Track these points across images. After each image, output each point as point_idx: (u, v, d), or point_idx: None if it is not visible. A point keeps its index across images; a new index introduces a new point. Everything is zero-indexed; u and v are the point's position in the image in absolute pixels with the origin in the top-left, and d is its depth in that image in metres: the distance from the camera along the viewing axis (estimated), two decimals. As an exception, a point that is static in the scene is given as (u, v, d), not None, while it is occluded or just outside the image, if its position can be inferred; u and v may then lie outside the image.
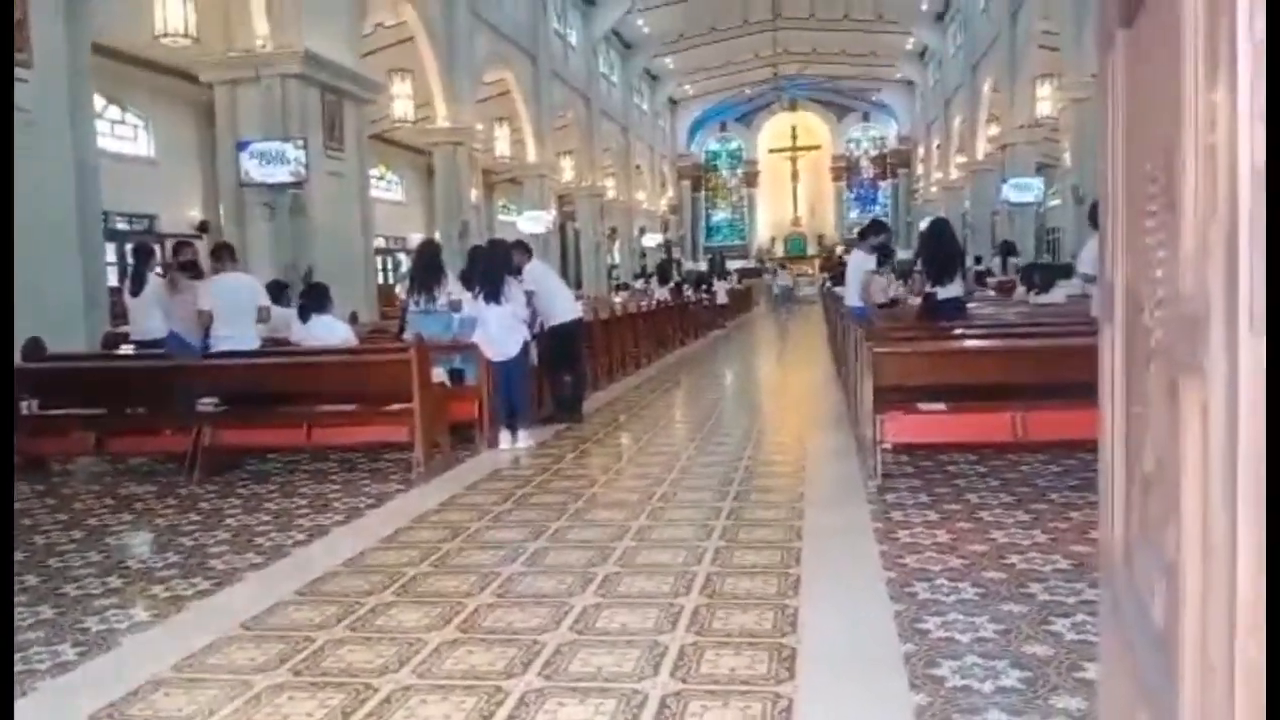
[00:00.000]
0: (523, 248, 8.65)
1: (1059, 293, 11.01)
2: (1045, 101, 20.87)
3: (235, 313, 7.13)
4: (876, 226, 9.41)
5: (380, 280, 19.23)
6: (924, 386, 5.58)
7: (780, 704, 2.78)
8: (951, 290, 7.77)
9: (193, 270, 7.88)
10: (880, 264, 8.56)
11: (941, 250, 8.01)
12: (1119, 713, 1.79)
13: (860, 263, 8.44)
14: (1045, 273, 12.17)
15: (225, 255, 7.56)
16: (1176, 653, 1.20)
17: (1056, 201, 26.92)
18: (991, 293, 13.63)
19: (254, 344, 7.20)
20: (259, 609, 3.75)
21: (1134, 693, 1.64)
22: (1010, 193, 22.36)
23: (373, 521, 5.16)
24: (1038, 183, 22.95)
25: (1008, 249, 21.04)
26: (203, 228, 17.41)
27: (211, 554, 4.63)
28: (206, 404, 6.57)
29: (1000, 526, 4.57)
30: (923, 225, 31.26)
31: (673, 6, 29.30)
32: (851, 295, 8.25)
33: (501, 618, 3.59)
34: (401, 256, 26.28)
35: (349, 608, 3.74)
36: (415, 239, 26.42)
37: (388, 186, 26.25)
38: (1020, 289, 12.09)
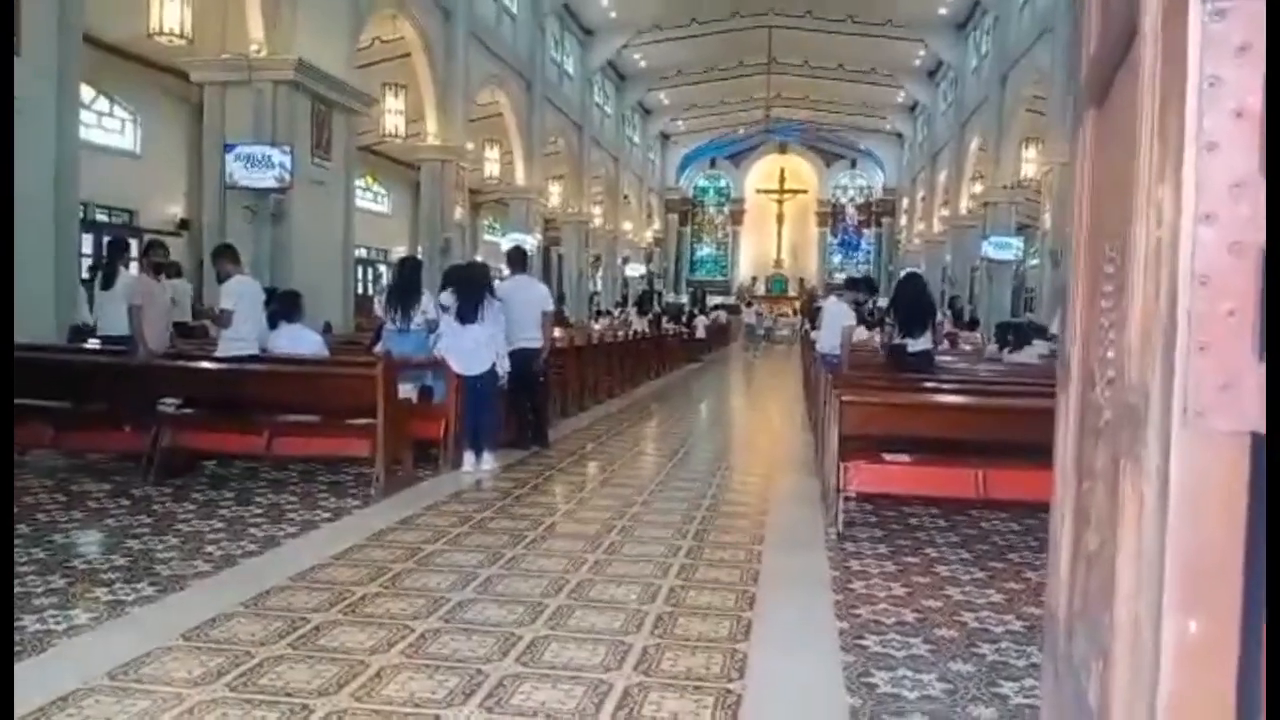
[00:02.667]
0: (517, 256, 8.64)
1: (1031, 352, 11.13)
2: (1029, 164, 21.19)
3: (252, 316, 7.07)
4: (866, 284, 9.50)
5: (359, 291, 19.14)
6: (890, 436, 5.59)
7: (720, 752, 2.75)
8: (921, 343, 7.84)
9: (166, 270, 7.79)
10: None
11: (913, 303, 8.08)
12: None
13: (839, 314, 8.50)
14: (1019, 331, 12.31)
15: (229, 258, 7.32)
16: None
17: (1035, 261, 27.31)
18: (967, 348, 13.73)
19: (257, 349, 7.13)
20: (201, 619, 3.69)
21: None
22: (990, 250, 22.63)
23: (326, 536, 5.10)
24: (1017, 242, 23.27)
25: (954, 305, 21.31)
26: (183, 225, 17.29)
27: (159, 559, 4.54)
28: (168, 404, 6.49)
29: (956, 583, 4.57)
30: (902, 274, 31.66)
31: (670, 43, 29.55)
32: (825, 342, 8.29)
33: (447, 644, 3.54)
34: (383, 268, 26.20)
35: (293, 624, 3.68)
36: (398, 252, 26.35)
37: (374, 198, 26.20)
38: (993, 346, 12.18)
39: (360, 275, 22.05)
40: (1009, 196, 22.87)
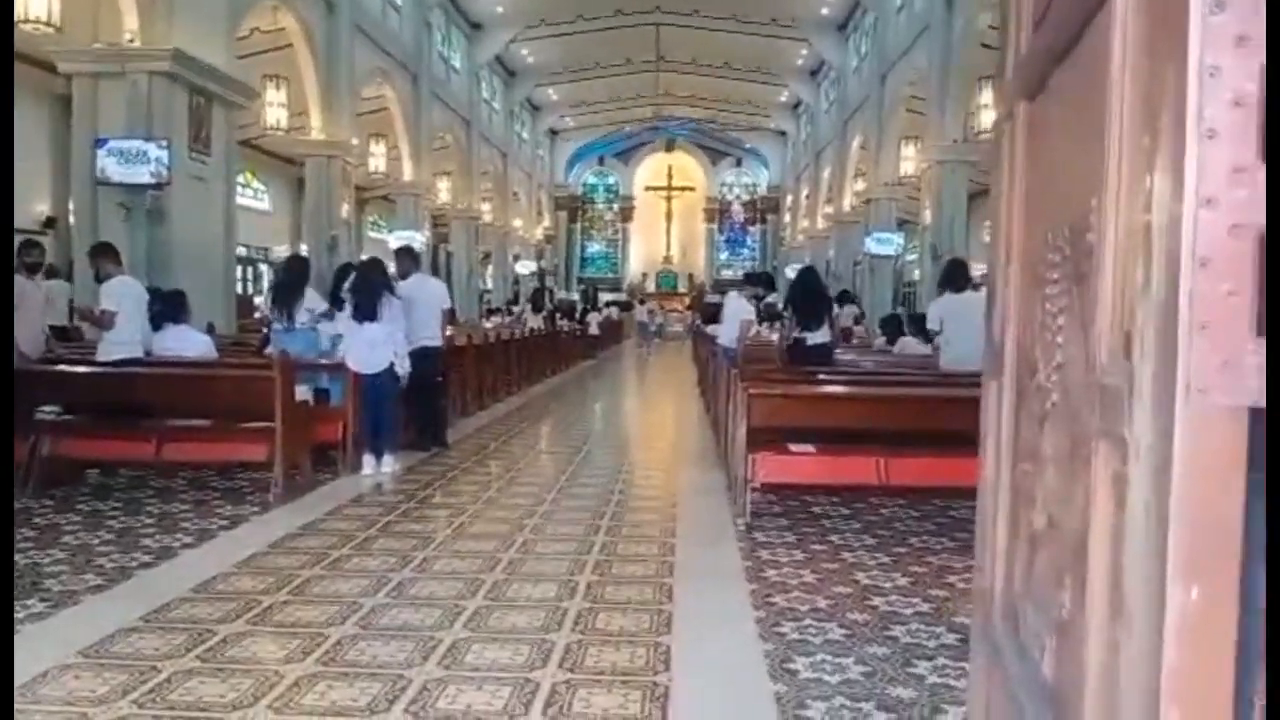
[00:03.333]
0: (409, 255, 8.46)
1: (913, 342, 11.54)
2: (909, 161, 21.89)
3: (135, 317, 6.68)
4: (765, 280, 9.64)
5: (240, 291, 18.45)
6: (794, 428, 5.69)
7: (654, 745, 2.75)
8: (819, 336, 7.99)
9: (41, 270, 7.34)
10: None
11: (810, 297, 8.23)
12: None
13: (739, 309, 8.58)
14: (898, 324, 12.84)
15: (109, 258, 6.92)
16: (1076, 710, 1.23)
17: (913, 256, 28.27)
18: (854, 340, 14.12)
19: (140, 352, 6.75)
20: (99, 635, 3.49)
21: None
22: (872, 245, 23.28)
23: (226, 545, 4.89)
24: (898, 237, 24.00)
25: (844, 298, 21.89)
26: (49, 224, 16.33)
27: (47, 573, 4.28)
28: (47, 412, 6.11)
29: (863, 568, 4.68)
30: (789, 272, 32.29)
31: (557, 39, 29.43)
32: (726, 336, 8.38)
33: (365, 651, 3.44)
34: (264, 268, 25.33)
35: (199, 636, 3.52)
36: (280, 251, 25.51)
37: (254, 195, 25.27)
38: (880, 339, 12.55)
39: (240, 275, 21.24)
40: (889, 193, 23.55)
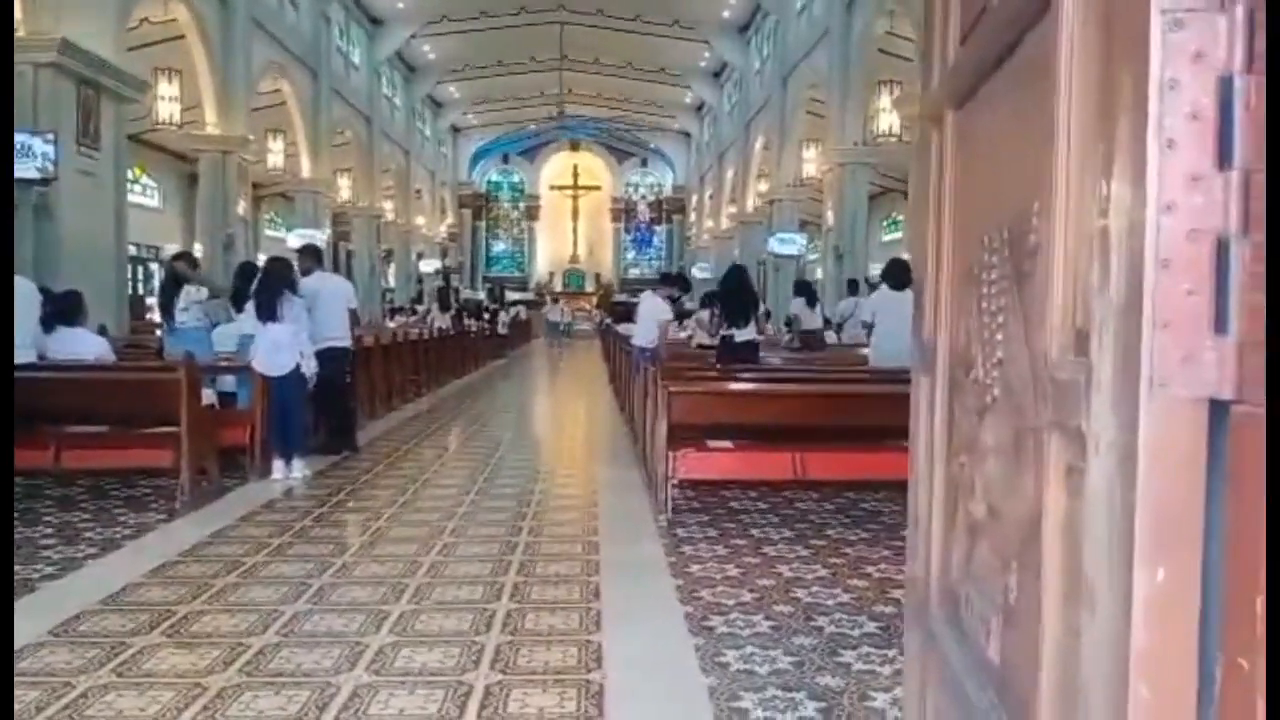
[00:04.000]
0: (313, 253, 8.26)
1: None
2: (810, 163, 22.35)
3: (24, 321, 6.33)
4: (680, 280, 9.71)
5: (130, 291, 17.71)
6: (711, 425, 5.77)
7: (594, 742, 2.77)
8: (747, 333, 8.09)
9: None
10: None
11: (738, 295, 8.32)
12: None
13: (656, 309, 8.61)
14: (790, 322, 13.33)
15: None
16: (1025, 687, 1.29)
17: (815, 256, 28.84)
18: (760, 338, 14.39)
19: (33, 356, 6.41)
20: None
21: (961, 717, 1.76)
22: (776, 245, 23.67)
23: (133, 554, 4.71)
24: (801, 238, 24.46)
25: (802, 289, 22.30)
26: (-81, 220, 15.40)
27: (-63, 592, 4.05)
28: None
29: (784, 561, 4.78)
30: (696, 271, 32.61)
31: (460, 36, 29.07)
32: (642, 336, 8.41)
33: (289, 659, 3.37)
34: (155, 267, 24.39)
35: (113, 649, 3.39)
36: (171, 249, 24.58)
37: (144, 191, 24.30)
38: (786, 337, 12.85)
39: (130, 274, 20.40)
40: (792, 194, 24.00)
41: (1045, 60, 1.26)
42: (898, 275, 7.64)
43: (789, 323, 13.47)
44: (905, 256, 8.46)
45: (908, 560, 2.32)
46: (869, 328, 7.82)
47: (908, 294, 7.96)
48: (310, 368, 6.98)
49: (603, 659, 3.41)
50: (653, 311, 8.52)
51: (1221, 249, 0.87)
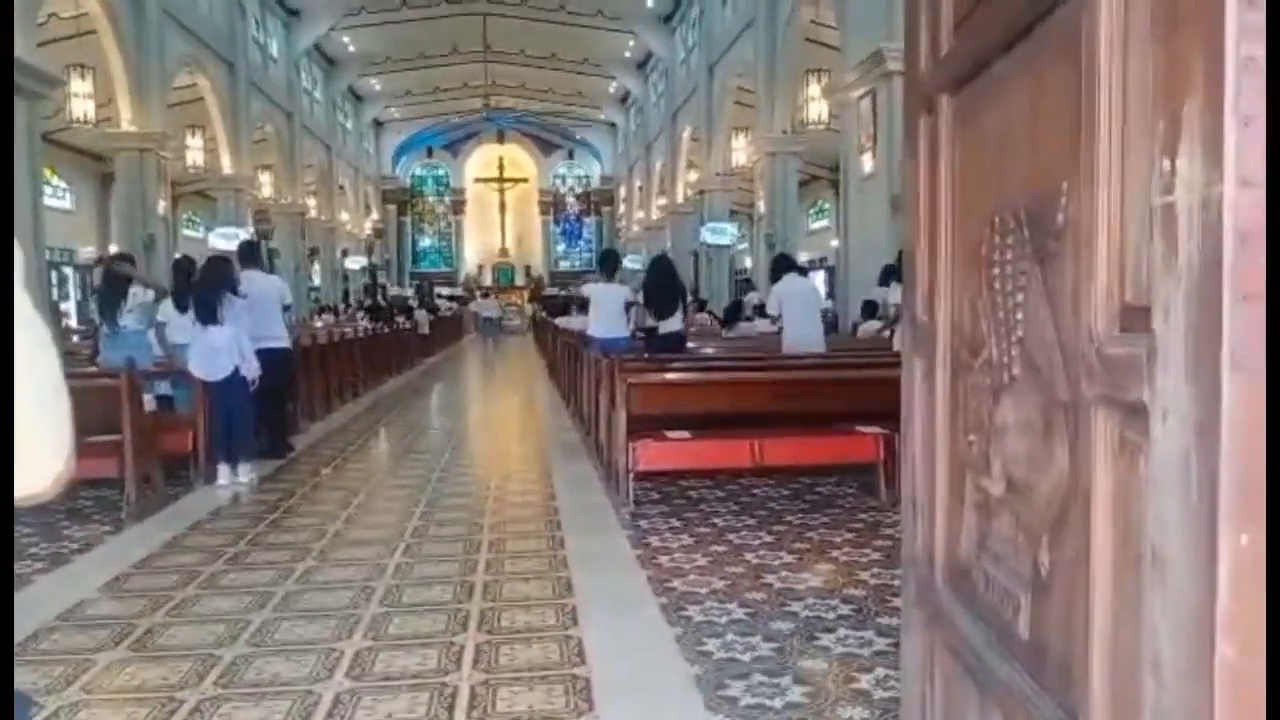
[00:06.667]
0: (252, 251, 8.05)
1: (750, 328, 12.13)
2: (740, 152, 22.49)
3: None
4: (614, 256, 9.65)
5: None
6: (668, 415, 5.79)
7: (590, 736, 2.76)
8: (672, 324, 8.09)
9: None
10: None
11: (664, 286, 8.31)
12: (953, 713, 1.95)
13: (615, 293, 8.47)
14: (731, 311, 13.51)
15: None
16: (1071, 659, 1.33)
17: (744, 245, 29.09)
18: (693, 328, 14.52)
19: None
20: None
21: (976, 696, 1.79)
22: (708, 236, 23.78)
23: (84, 568, 4.55)
24: (732, 228, 24.64)
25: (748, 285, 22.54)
26: None
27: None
28: None
29: (750, 548, 4.82)
30: (628, 263, 32.58)
31: (379, 27, 28.54)
32: (601, 326, 8.29)
33: (265, 669, 3.29)
34: (69, 271, 23.54)
35: (78, 667, 3.28)
36: (86, 252, 23.75)
37: (55, 193, 23.38)
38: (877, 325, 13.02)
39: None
40: (722, 184, 24.09)
41: (1074, 42, 1.29)
42: (791, 265, 8.03)
43: (728, 312, 13.58)
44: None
45: (904, 541, 2.35)
46: (776, 318, 8.01)
47: (807, 280, 8.24)
48: (252, 370, 6.79)
49: (585, 653, 3.40)
50: (613, 297, 8.36)
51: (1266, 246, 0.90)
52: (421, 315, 23.98)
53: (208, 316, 6.65)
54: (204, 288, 6.80)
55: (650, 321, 8.29)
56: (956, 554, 1.95)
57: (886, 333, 9.11)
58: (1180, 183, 1.00)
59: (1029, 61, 1.55)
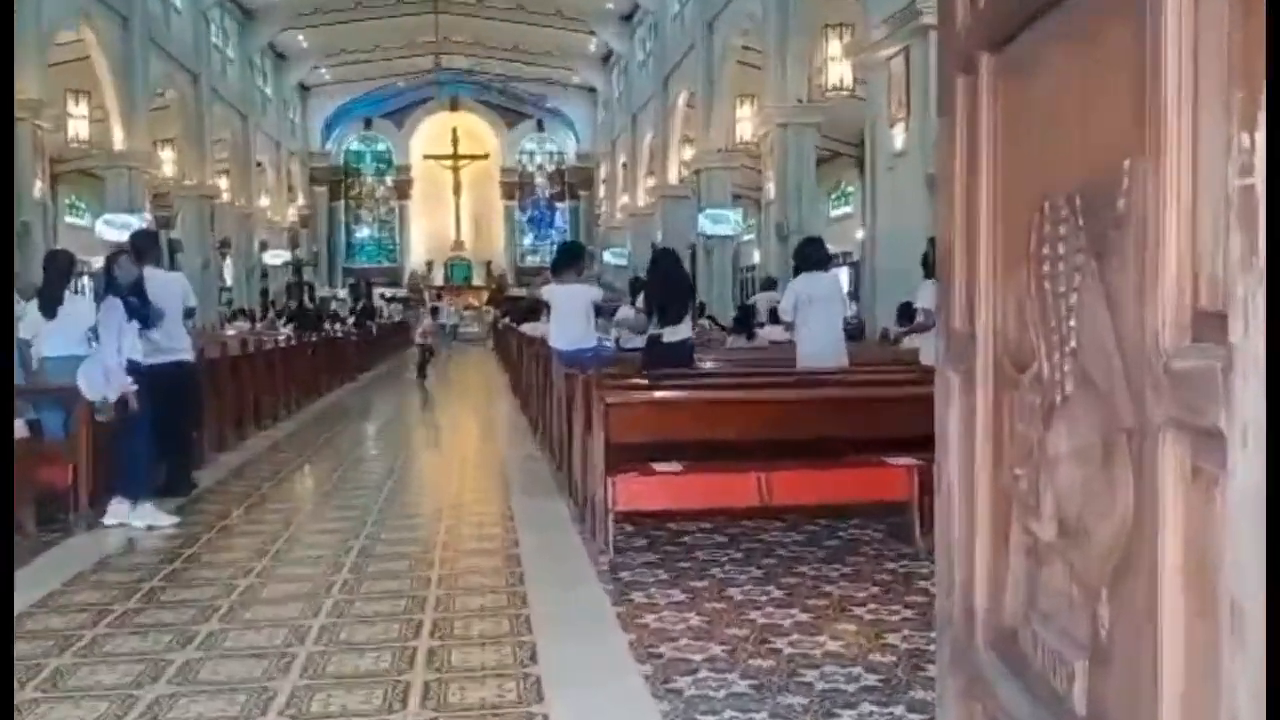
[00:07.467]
0: (148, 242, 8.04)
1: (764, 336, 12.14)
2: (745, 124, 22.57)
3: None
4: (576, 249, 9.67)
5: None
6: (659, 443, 5.80)
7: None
8: (680, 332, 8.06)
9: None
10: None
11: (671, 282, 8.29)
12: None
13: (578, 295, 8.44)
14: (743, 316, 13.50)
15: None
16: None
17: (750, 236, 29.16)
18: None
19: None
20: None
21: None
22: (707, 224, 23.79)
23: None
24: (736, 214, 24.68)
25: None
26: None
27: None
28: None
29: (755, 605, 4.82)
30: (608, 256, 32.69)
31: (308, -32, 28.80)
32: (563, 335, 8.27)
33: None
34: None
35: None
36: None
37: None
38: (730, 337, 13.02)
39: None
40: (724, 162, 24.17)
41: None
42: (815, 255, 7.93)
43: (739, 322, 13.61)
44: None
45: (939, 594, 2.37)
46: (789, 324, 8.04)
47: (830, 276, 8.21)
48: (112, 388, 6.64)
49: (554, 737, 3.40)
50: (576, 299, 8.33)
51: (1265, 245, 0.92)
52: (331, 328, 23.17)
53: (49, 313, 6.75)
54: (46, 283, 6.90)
55: (653, 328, 8.21)
56: (1000, 611, 1.96)
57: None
58: (1263, 162, 1.02)
59: (1082, 16, 1.56)
